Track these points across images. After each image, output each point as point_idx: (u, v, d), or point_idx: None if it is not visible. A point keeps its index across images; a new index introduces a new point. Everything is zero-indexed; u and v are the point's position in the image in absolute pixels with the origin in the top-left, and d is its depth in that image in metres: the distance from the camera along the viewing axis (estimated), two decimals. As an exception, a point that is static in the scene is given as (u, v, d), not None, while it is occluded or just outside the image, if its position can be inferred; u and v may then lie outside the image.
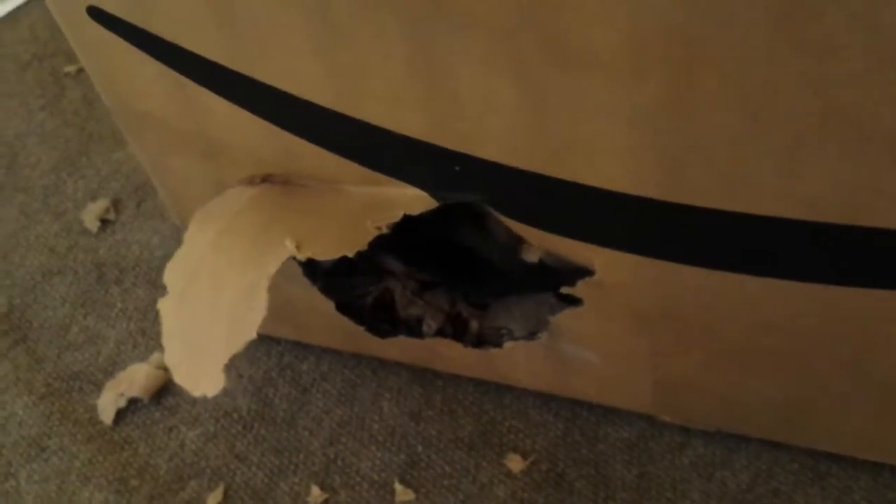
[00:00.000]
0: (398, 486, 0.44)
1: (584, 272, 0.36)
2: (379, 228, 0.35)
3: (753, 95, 0.26)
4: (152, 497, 0.46)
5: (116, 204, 0.57)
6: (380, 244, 0.44)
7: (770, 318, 0.34)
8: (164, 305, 0.37)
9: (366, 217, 0.35)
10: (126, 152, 0.59)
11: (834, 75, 0.25)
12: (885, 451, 0.40)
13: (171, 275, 0.37)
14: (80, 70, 0.66)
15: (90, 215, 0.57)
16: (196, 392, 0.35)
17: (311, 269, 0.43)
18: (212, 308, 0.36)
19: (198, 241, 0.37)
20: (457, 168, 0.32)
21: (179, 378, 0.36)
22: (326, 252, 0.34)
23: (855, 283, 0.31)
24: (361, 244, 0.35)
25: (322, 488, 0.45)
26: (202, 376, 0.35)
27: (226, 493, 0.45)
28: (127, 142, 0.58)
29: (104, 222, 0.57)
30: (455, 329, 0.45)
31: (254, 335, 0.34)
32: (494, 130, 0.31)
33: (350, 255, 0.34)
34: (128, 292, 0.53)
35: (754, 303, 0.34)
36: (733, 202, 0.30)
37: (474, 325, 0.45)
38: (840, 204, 0.29)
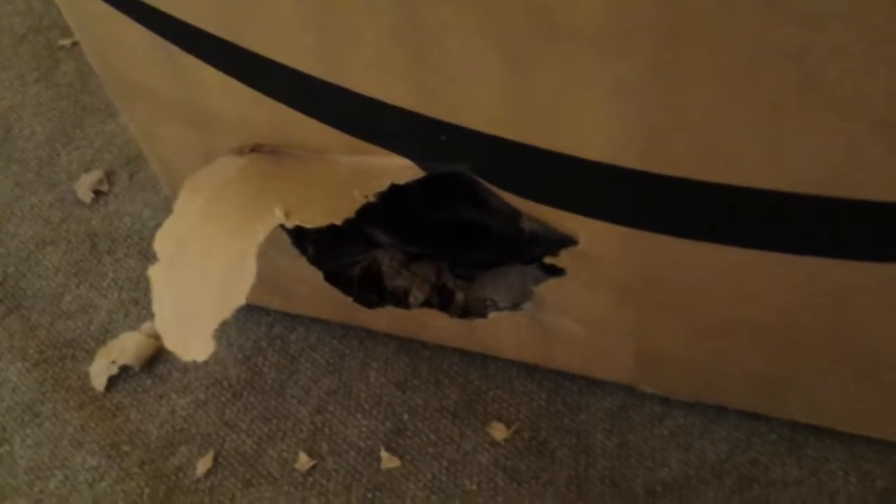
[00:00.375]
0: (384, 454, 0.45)
1: (568, 242, 0.36)
2: (367, 197, 0.35)
3: (736, 66, 0.27)
4: (143, 462, 0.46)
5: (109, 175, 0.58)
6: (368, 216, 0.44)
7: (751, 290, 0.35)
8: (154, 273, 0.37)
9: (354, 186, 0.35)
10: (119, 124, 0.60)
11: (815, 46, 0.25)
12: (861, 423, 0.41)
13: (162, 242, 0.38)
14: (75, 43, 0.66)
15: (83, 186, 0.57)
16: (186, 357, 0.36)
17: (301, 238, 0.43)
18: (201, 275, 0.36)
19: (187, 209, 0.38)
20: (443, 138, 0.33)
21: (170, 343, 0.36)
22: (315, 220, 0.35)
23: (835, 254, 0.32)
24: (349, 212, 0.35)
25: (310, 455, 0.46)
26: (192, 342, 0.36)
27: (215, 459, 0.46)
28: (120, 114, 0.58)
29: (97, 193, 0.57)
30: (441, 300, 0.45)
31: (243, 301, 0.35)
32: (481, 100, 0.31)
33: (338, 223, 0.35)
34: (120, 262, 0.54)
35: (736, 274, 0.34)
36: (715, 173, 0.30)
37: (460, 296, 0.45)
38: (821, 176, 0.29)
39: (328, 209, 0.35)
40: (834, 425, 0.42)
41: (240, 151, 0.38)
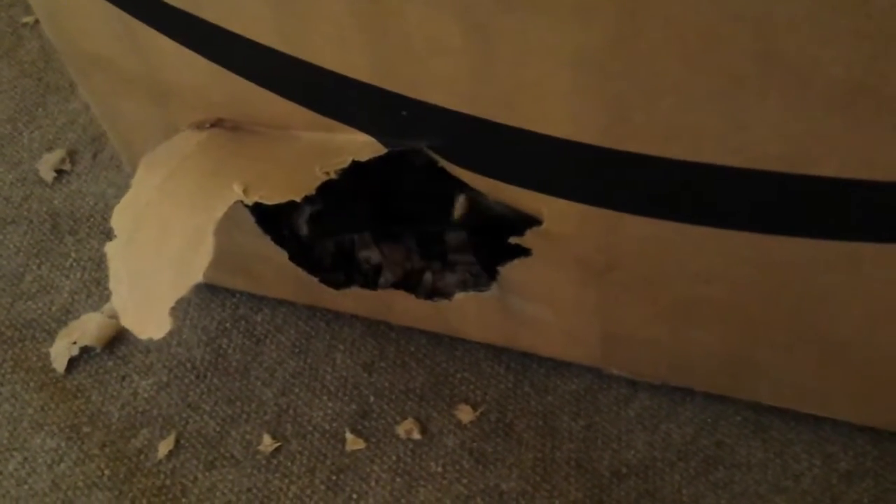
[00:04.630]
0: (349, 436, 0.45)
1: (532, 221, 0.36)
2: (327, 174, 0.35)
3: (696, 38, 0.26)
4: (104, 444, 0.46)
5: (72, 155, 0.57)
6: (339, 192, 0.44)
7: (712, 268, 0.35)
8: (111, 249, 0.37)
9: (315, 162, 0.35)
10: (83, 103, 0.59)
11: (774, 18, 0.25)
12: (824, 404, 0.41)
13: (119, 219, 0.37)
14: (38, 21, 0.64)
15: (45, 165, 0.56)
16: (143, 335, 0.35)
17: (266, 217, 0.43)
18: (159, 252, 0.36)
19: (145, 185, 0.37)
20: (404, 113, 0.32)
21: (126, 321, 0.36)
22: (273, 196, 0.34)
23: (795, 232, 0.32)
24: (309, 189, 0.35)
25: (273, 437, 0.45)
26: (149, 320, 0.35)
27: (177, 441, 0.45)
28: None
29: (59, 172, 0.56)
30: (409, 282, 0.45)
31: (200, 279, 0.34)
32: (441, 74, 0.31)
33: (297, 199, 0.34)
34: (82, 243, 0.53)
35: (696, 252, 0.34)
36: (676, 150, 0.30)
37: (428, 277, 0.45)
38: (781, 152, 0.29)
39: (288, 185, 0.35)
40: (798, 407, 0.42)
41: (199, 126, 0.37)
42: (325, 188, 0.42)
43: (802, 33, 0.25)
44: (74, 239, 0.53)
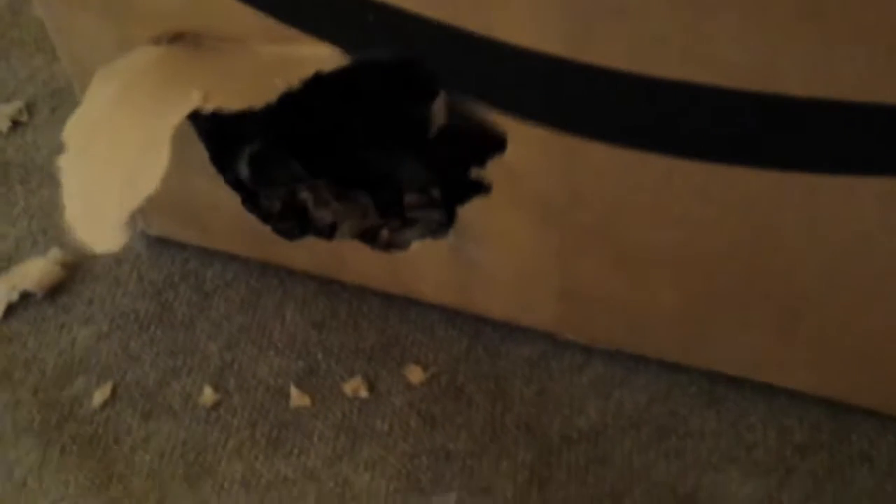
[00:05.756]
0: (294, 391, 0.43)
1: (496, 146, 0.35)
2: (289, 84, 0.34)
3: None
4: (37, 390, 0.44)
5: (30, 107, 0.55)
6: (290, 152, 0.43)
7: (672, 207, 0.34)
8: (64, 162, 0.35)
9: (276, 74, 0.34)
10: (46, 59, 0.58)
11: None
12: (780, 372, 0.41)
13: (72, 132, 0.36)
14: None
15: (1, 115, 0.55)
16: (97, 248, 0.34)
17: (222, 156, 0.42)
18: (112, 163, 0.35)
19: (99, 97, 0.36)
20: (371, 18, 0.32)
21: (80, 234, 0.34)
22: (233, 103, 0.34)
23: (755, 161, 0.31)
24: (270, 98, 0.34)
25: (215, 390, 0.43)
26: (103, 232, 0.34)
27: (114, 390, 0.44)
28: (48, 48, 0.56)
29: (15, 123, 0.55)
30: (365, 238, 0.44)
31: (154, 189, 0.33)
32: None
33: (257, 107, 0.34)
34: (32, 192, 0.51)
35: (657, 187, 0.34)
36: (640, 63, 0.30)
37: (385, 233, 0.44)
38: (745, 65, 0.29)
39: (248, 94, 0.34)
40: (753, 375, 0.41)
41: (158, 41, 0.36)
42: (268, 120, 0.41)
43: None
44: (25, 188, 0.52)
